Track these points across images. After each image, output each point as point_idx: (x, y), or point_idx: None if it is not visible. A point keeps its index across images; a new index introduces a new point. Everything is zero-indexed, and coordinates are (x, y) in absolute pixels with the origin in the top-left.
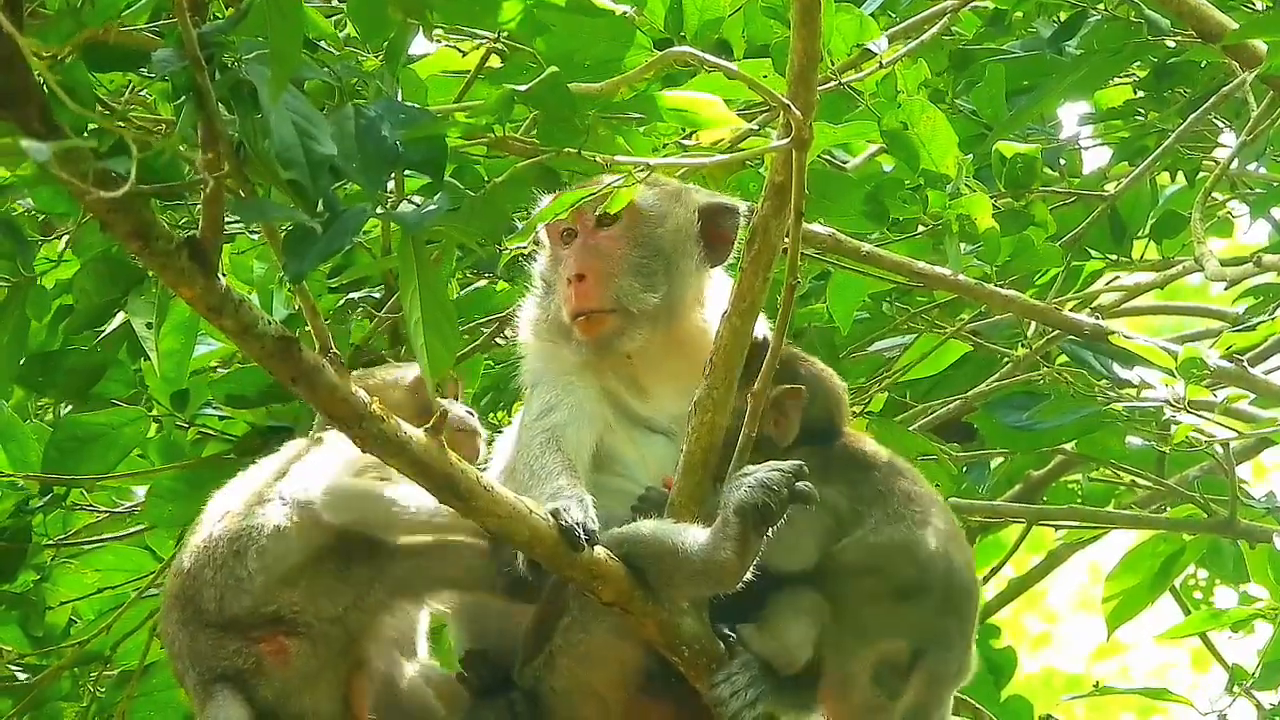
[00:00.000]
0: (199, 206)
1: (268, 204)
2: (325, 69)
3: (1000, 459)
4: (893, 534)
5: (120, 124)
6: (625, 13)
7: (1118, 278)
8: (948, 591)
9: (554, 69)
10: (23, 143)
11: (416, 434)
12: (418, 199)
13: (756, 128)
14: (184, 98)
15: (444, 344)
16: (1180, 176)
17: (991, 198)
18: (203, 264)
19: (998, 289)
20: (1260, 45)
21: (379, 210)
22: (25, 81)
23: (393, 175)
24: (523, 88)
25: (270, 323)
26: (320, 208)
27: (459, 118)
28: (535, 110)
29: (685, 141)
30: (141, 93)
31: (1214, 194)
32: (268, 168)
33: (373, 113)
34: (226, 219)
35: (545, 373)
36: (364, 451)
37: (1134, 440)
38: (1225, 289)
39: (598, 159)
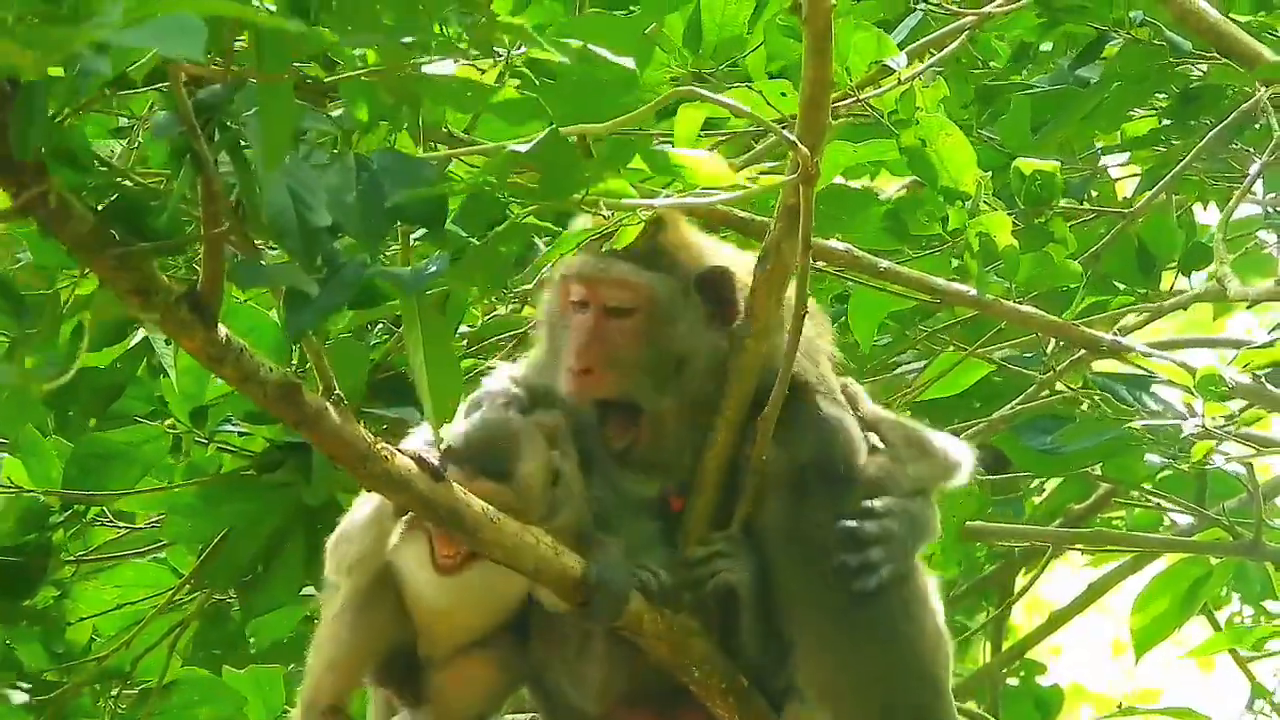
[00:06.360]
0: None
1: (263, 268)
2: (327, 118)
3: (1041, 493)
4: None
5: (119, 180)
6: (630, 66)
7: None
8: None
9: (554, 128)
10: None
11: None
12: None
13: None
14: (183, 160)
15: (447, 393)
16: (1212, 209)
17: (1010, 214)
18: (204, 316)
19: (1017, 306)
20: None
21: (378, 268)
22: None
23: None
24: (523, 148)
25: (272, 370)
26: (319, 262)
27: (463, 169)
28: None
29: None
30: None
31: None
32: (266, 225)
33: (375, 165)
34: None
35: None
36: (368, 490)
37: (1153, 458)
38: (1248, 309)
39: (601, 204)
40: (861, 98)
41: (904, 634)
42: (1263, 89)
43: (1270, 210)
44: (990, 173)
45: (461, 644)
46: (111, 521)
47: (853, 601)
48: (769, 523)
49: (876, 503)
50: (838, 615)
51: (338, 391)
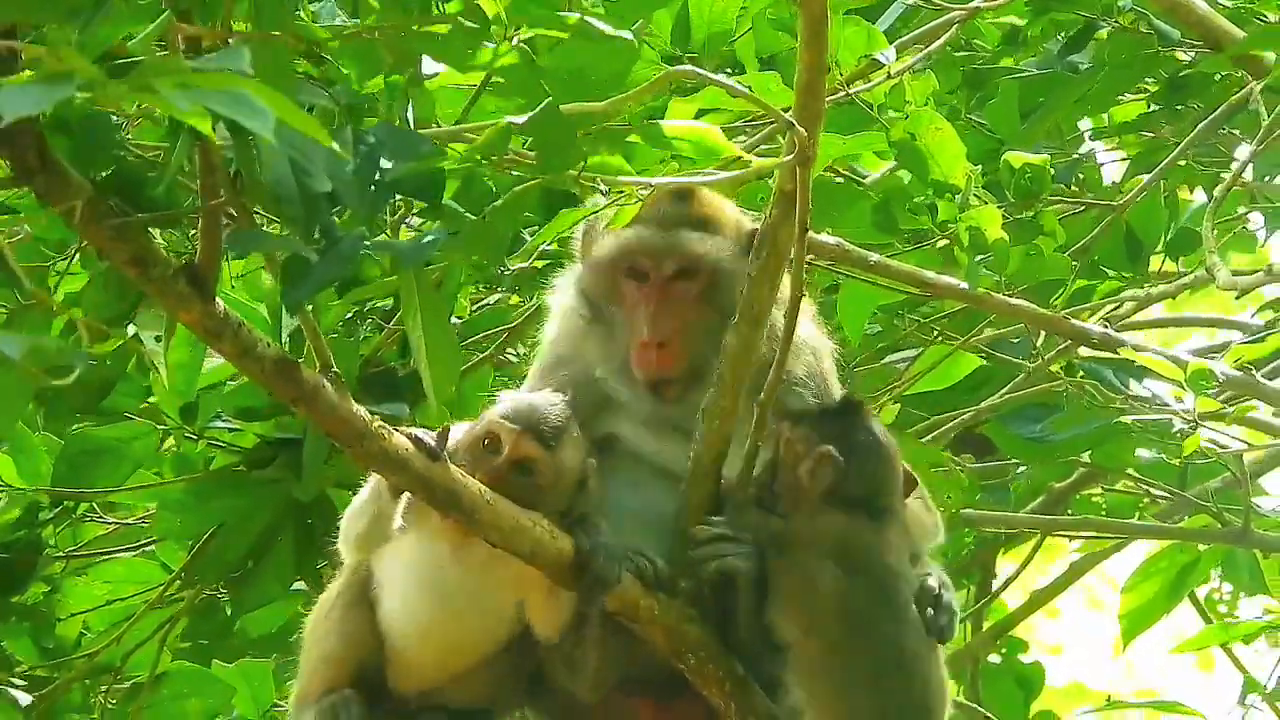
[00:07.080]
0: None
1: (263, 235)
2: (327, 91)
3: (1020, 474)
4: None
5: (119, 153)
6: (629, 38)
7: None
8: None
9: (550, 100)
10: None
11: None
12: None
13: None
14: (181, 131)
15: (446, 367)
16: (1199, 193)
17: (1000, 207)
18: (201, 289)
19: (1006, 298)
20: (1269, 55)
21: (377, 240)
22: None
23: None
24: (520, 120)
25: (269, 345)
26: (317, 234)
27: (458, 145)
28: (533, 141)
29: None
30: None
31: (1238, 207)
32: (264, 195)
33: (373, 139)
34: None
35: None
36: (365, 469)
37: (1143, 453)
38: (1237, 299)
39: (598, 180)
40: (851, 92)
41: (917, 672)
42: (1255, 82)
43: (1257, 195)
44: (979, 166)
45: (437, 677)
46: (101, 517)
47: (868, 632)
48: (796, 532)
49: (922, 565)
50: (852, 642)
51: (334, 369)
